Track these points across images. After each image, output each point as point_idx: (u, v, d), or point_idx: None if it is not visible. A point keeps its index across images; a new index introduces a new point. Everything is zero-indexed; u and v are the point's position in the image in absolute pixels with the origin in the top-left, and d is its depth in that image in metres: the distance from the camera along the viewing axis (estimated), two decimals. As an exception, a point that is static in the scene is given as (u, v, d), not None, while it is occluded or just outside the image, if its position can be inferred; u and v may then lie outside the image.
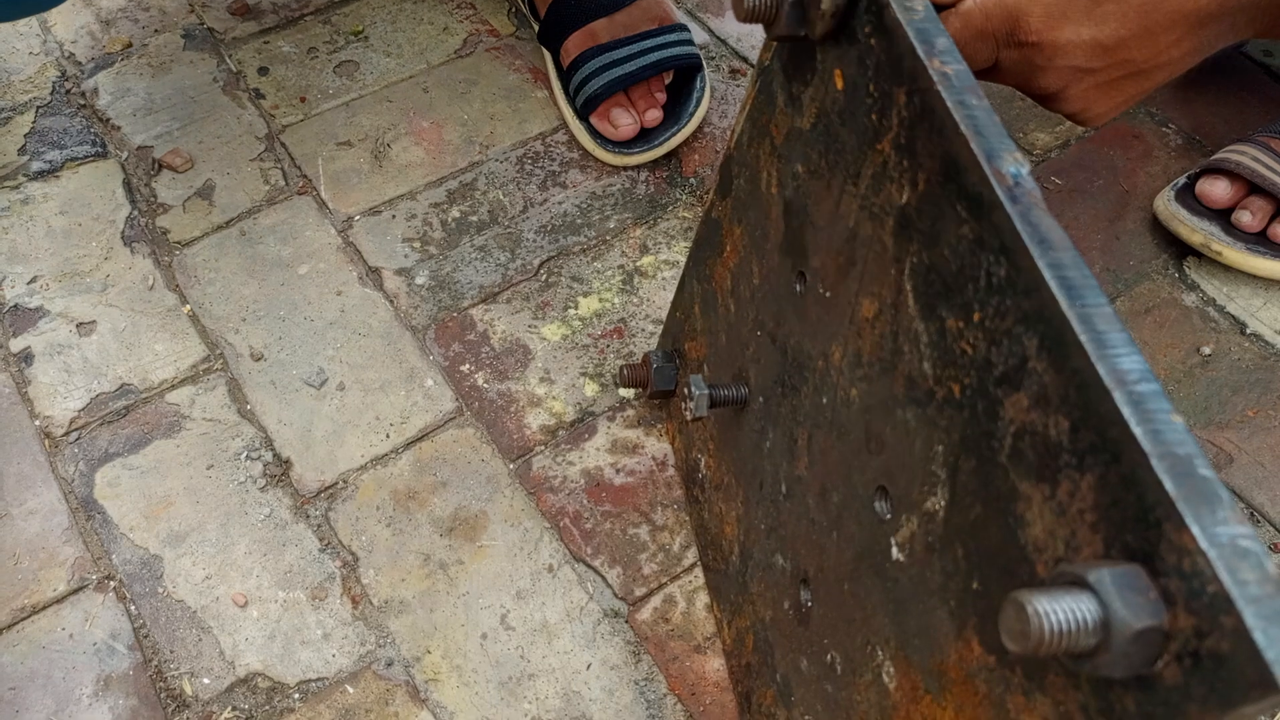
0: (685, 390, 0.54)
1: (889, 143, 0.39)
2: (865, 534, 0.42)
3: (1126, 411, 0.28)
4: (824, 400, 0.45)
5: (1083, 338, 0.29)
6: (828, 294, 0.44)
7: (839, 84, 0.42)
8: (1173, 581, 0.26)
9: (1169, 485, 0.26)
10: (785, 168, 0.48)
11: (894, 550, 0.40)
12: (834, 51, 0.42)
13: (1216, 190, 0.77)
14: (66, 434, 0.68)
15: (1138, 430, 0.27)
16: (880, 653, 0.41)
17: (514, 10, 0.95)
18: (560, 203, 0.82)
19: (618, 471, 0.68)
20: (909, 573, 0.39)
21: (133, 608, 0.61)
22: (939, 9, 0.45)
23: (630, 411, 0.71)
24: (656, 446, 0.69)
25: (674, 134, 0.83)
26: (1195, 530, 0.26)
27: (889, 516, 0.40)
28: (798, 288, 0.47)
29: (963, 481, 0.35)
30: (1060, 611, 0.26)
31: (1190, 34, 0.43)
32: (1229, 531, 0.26)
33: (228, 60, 0.90)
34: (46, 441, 0.68)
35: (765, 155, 0.50)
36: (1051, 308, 0.30)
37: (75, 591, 0.62)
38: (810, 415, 0.47)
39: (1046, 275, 0.31)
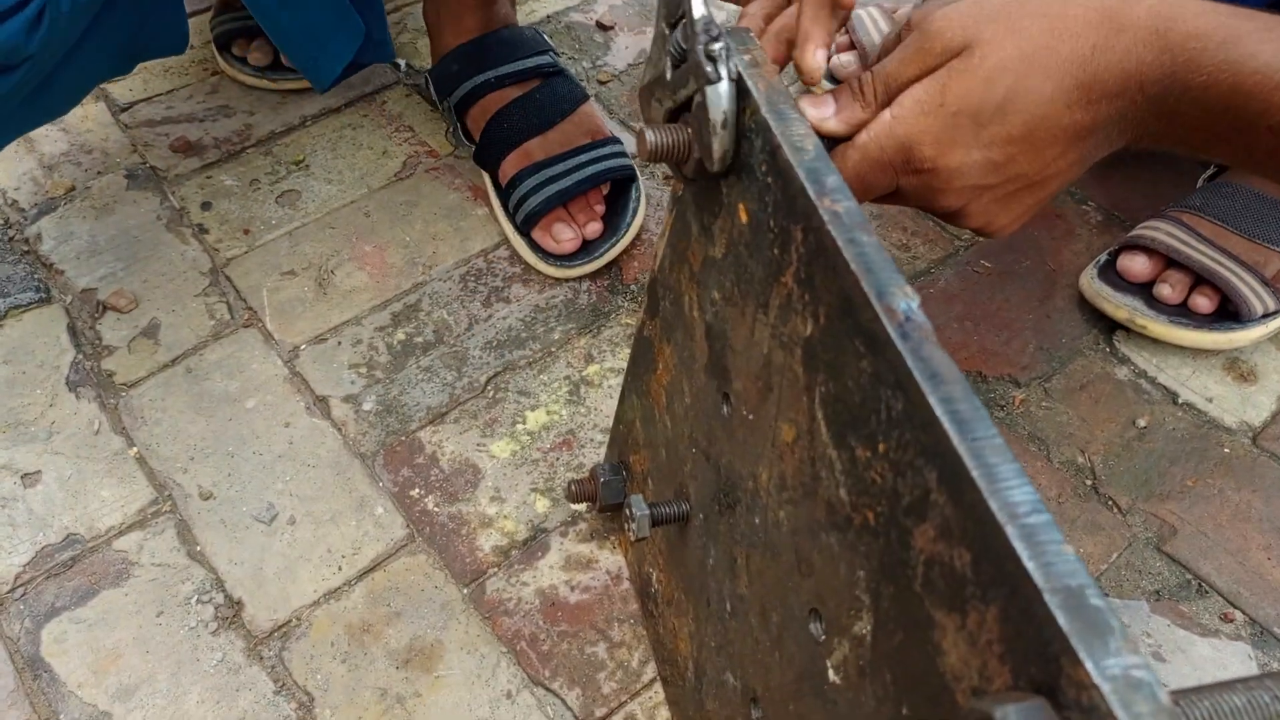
0: (627, 511, 0.55)
1: (791, 276, 0.40)
2: (804, 655, 0.42)
3: (1019, 545, 0.29)
4: (756, 520, 0.46)
5: (974, 472, 0.30)
6: (750, 416, 0.45)
7: (743, 218, 0.44)
8: (1074, 715, 0.27)
9: (1062, 620, 0.27)
10: (704, 293, 0.49)
11: (830, 672, 0.40)
12: (737, 187, 0.44)
13: (1136, 266, 0.80)
14: (11, 591, 0.67)
15: (1030, 565, 0.28)
16: (827, 775, 0.41)
17: (451, 130, 0.98)
18: (505, 318, 0.84)
19: (572, 589, 0.68)
20: (845, 695, 0.39)
21: (83, 769, 0.60)
22: (837, 141, 0.47)
23: (583, 525, 0.71)
24: (610, 560, 0.69)
25: (613, 245, 0.85)
26: (1089, 665, 0.26)
27: (823, 638, 0.41)
28: (724, 409, 0.49)
29: (884, 607, 0.36)
30: (970, 751, 0.27)
31: (1072, 147, 0.45)
32: (1121, 663, 0.26)
33: (170, 197, 0.92)
34: (-8, 599, 0.67)
35: (685, 280, 0.51)
36: (945, 442, 0.31)
37: (23, 756, 0.60)
38: (746, 535, 0.47)
39: (938, 410, 0.32)
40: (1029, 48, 0.43)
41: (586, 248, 0.85)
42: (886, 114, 0.46)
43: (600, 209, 0.86)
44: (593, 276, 0.86)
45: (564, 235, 0.84)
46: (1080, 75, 0.43)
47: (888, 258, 0.36)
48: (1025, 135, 0.44)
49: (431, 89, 0.94)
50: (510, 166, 0.86)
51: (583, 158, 0.86)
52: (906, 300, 0.35)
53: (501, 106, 0.87)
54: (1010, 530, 0.29)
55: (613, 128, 0.97)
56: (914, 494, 0.33)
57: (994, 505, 0.29)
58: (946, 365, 0.33)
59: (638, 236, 0.89)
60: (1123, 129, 0.45)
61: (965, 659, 0.31)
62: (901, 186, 0.48)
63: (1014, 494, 0.30)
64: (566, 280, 0.86)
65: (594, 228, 0.85)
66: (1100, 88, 0.43)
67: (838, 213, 0.38)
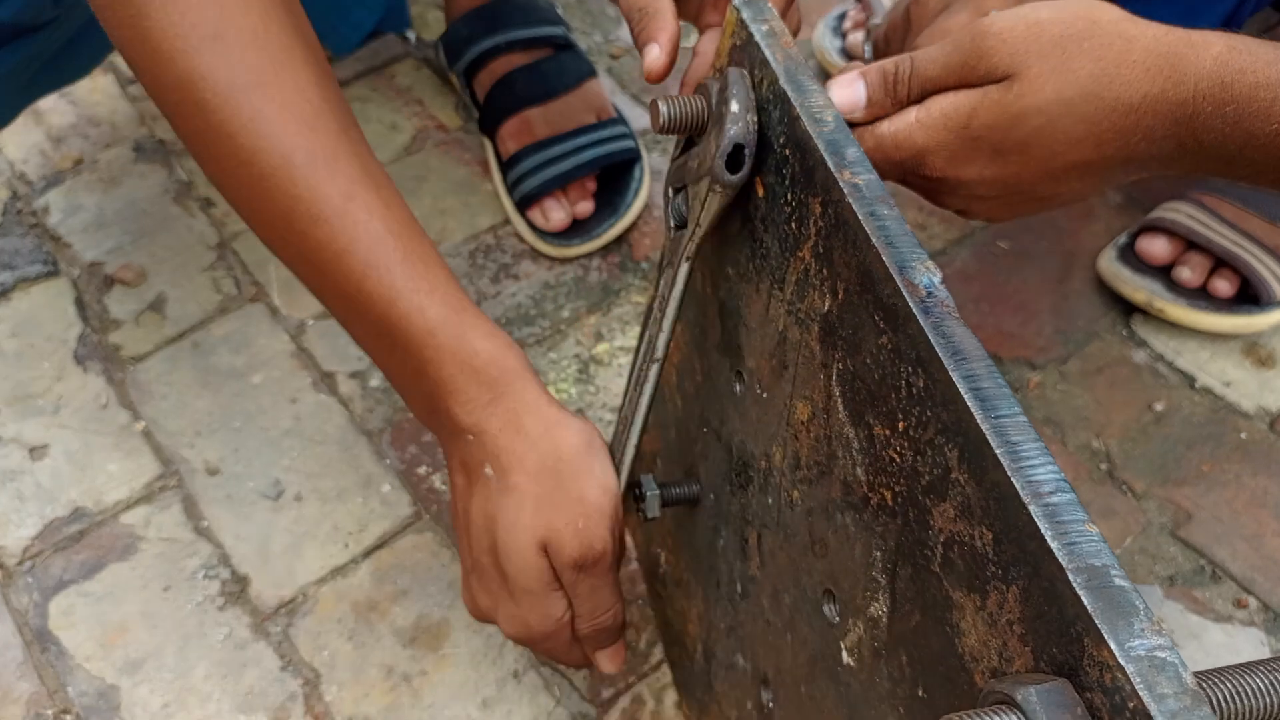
0: (637, 491, 0.54)
1: (809, 251, 0.39)
2: (817, 637, 0.42)
3: (1042, 525, 0.28)
4: (769, 501, 0.45)
5: (998, 451, 0.29)
6: (764, 395, 0.45)
7: (760, 191, 0.43)
8: (1096, 696, 0.26)
9: (1086, 599, 0.26)
10: (717, 269, 0.48)
11: (844, 654, 0.40)
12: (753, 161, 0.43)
13: (1155, 248, 0.78)
14: (20, 563, 0.67)
15: (1054, 544, 0.27)
16: (839, 757, 0.41)
17: (460, 104, 0.97)
18: (513, 294, 0.83)
19: (580, 567, 0.67)
20: (859, 677, 0.39)
21: (89, 742, 0.60)
22: (852, 126, 0.45)
23: (591, 504, 0.70)
24: (619, 539, 0.69)
25: (612, 225, 0.84)
26: (1112, 645, 0.26)
27: (837, 620, 0.40)
28: (737, 387, 0.48)
29: (901, 589, 0.35)
30: (991, 734, 0.26)
31: (1091, 174, 0.44)
32: (1146, 644, 0.26)
33: (178, 170, 0.91)
34: (0, 572, 0.67)
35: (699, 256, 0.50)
36: (967, 420, 0.31)
37: (30, 729, 0.60)
38: (758, 515, 0.47)
39: (961, 388, 0.31)
40: (1071, 93, 0.41)
41: (583, 226, 0.84)
42: (912, 115, 0.44)
43: (592, 186, 0.85)
44: (603, 254, 0.86)
45: (554, 214, 0.83)
46: (1122, 123, 0.41)
47: (909, 232, 0.35)
48: (1043, 164, 0.43)
49: (442, 56, 0.93)
50: (509, 136, 0.85)
51: (583, 139, 0.85)
52: (929, 275, 0.34)
53: (506, 72, 0.86)
54: (1034, 509, 0.28)
55: (625, 102, 0.96)
56: (934, 473, 0.33)
57: (1017, 484, 0.29)
58: (970, 342, 0.32)
59: (651, 212, 0.88)
60: (1163, 162, 0.42)
61: (984, 640, 0.31)
62: (906, 181, 0.47)
63: (1038, 472, 0.29)
64: (569, 259, 0.85)
65: (584, 206, 0.84)
66: (1143, 132, 0.41)
67: (858, 185, 0.37)
